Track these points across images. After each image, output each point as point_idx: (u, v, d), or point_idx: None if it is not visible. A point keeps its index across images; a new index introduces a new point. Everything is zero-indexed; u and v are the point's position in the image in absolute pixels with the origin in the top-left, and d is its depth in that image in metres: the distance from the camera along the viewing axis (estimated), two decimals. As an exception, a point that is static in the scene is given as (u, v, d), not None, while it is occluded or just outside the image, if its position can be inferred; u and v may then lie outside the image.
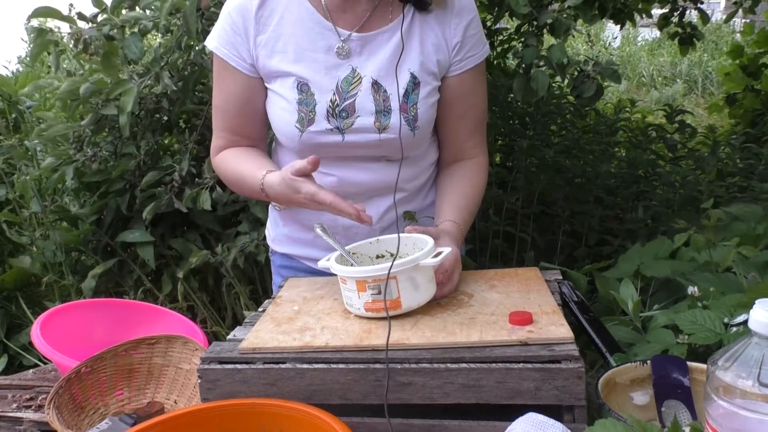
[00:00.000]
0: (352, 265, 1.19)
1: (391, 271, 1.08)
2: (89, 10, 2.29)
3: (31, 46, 2.28)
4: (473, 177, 1.46)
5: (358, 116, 1.33)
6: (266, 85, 1.38)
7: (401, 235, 1.24)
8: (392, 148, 1.35)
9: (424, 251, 1.11)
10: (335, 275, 1.38)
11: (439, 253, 1.12)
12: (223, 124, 1.43)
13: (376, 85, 1.33)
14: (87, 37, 2.18)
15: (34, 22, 2.37)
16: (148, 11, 2.34)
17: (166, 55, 2.41)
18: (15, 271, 2.88)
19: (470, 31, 1.39)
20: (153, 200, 2.48)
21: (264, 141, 1.47)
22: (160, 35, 2.59)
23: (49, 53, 2.35)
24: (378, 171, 1.39)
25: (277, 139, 1.45)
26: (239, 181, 1.40)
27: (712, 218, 1.46)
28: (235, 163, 1.40)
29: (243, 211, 2.58)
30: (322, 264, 1.20)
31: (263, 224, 2.51)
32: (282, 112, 1.36)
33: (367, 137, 1.34)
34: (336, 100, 1.33)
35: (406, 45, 1.33)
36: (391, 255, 1.24)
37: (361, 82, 1.33)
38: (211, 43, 1.39)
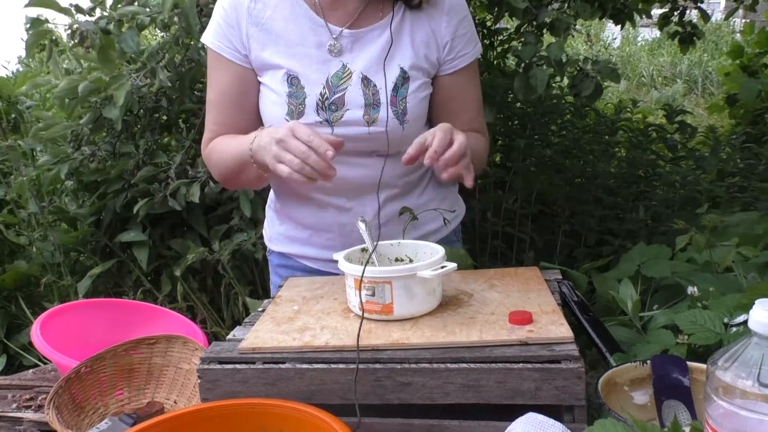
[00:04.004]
0: (369, 263, 1.19)
1: (387, 277, 1.08)
2: (87, 3, 2.29)
3: (28, 35, 2.27)
4: (475, 134, 1.47)
5: (348, 109, 1.34)
6: (258, 78, 1.39)
7: (419, 242, 1.25)
8: (381, 142, 1.36)
9: (424, 263, 1.09)
10: (334, 275, 1.39)
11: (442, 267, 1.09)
12: (216, 119, 1.43)
13: (365, 80, 1.35)
14: (84, 30, 2.18)
15: (32, 14, 2.36)
16: (146, 7, 2.34)
17: (162, 51, 2.41)
18: (14, 272, 2.88)
19: (461, 30, 1.40)
20: (147, 197, 2.48)
21: None
22: (159, 33, 2.59)
23: (45, 50, 2.35)
24: (369, 167, 1.39)
25: None
26: (227, 151, 1.38)
27: (709, 223, 1.46)
28: (232, 137, 1.39)
29: (235, 209, 2.58)
30: (335, 256, 1.20)
31: (256, 221, 2.52)
32: (272, 105, 1.37)
33: (356, 130, 1.35)
34: (326, 93, 1.34)
35: (396, 41, 1.35)
36: (411, 260, 1.23)
37: (351, 77, 1.35)
38: (206, 38, 1.41)
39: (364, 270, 1.08)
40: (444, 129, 1.22)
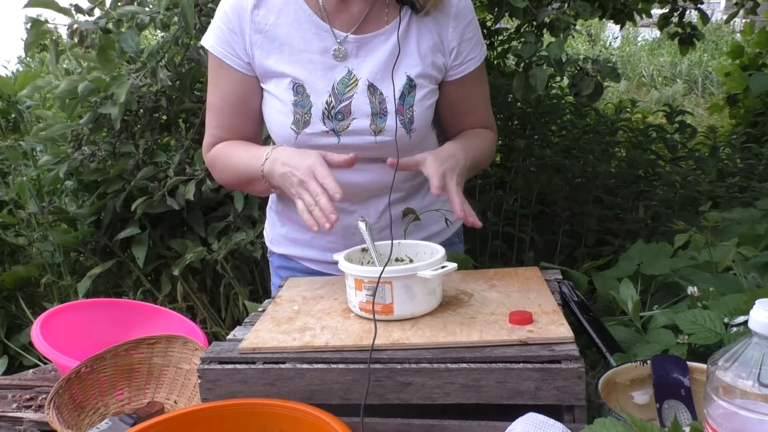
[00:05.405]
0: (369, 263, 1.20)
1: (387, 277, 1.08)
2: (86, 3, 2.30)
3: (28, 34, 2.27)
4: (479, 131, 1.47)
5: (354, 118, 1.33)
6: (262, 85, 1.38)
7: (419, 242, 1.25)
8: (388, 150, 1.34)
9: (424, 263, 1.09)
10: (334, 275, 1.39)
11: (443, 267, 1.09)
12: (218, 123, 1.42)
13: (371, 88, 1.33)
14: (84, 30, 2.18)
15: (32, 14, 2.36)
16: (146, 7, 2.34)
17: (162, 50, 2.41)
18: (14, 272, 2.88)
19: (467, 34, 1.39)
20: (146, 196, 2.49)
21: (259, 141, 1.47)
22: (159, 33, 2.59)
23: (47, 52, 2.35)
24: (374, 172, 1.38)
25: (272, 141, 1.45)
26: (234, 162, 1.38)
27: (711, 220, 1.46)
28: (240, 146, 1.39)
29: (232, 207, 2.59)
30: (335, 257, 1.21)
31: (253, 220, 2.52)
32: (277, 113, 1.36)
33: (362, 139, 1.34)
34: (332, 101, 1.33)
35: (402, 48, 1.34)
36: (411, 260, 1.23)
37: (356, 84, 1.33)
38: (207, 42, 1.38)
39: (383, 270, 1.07)
40: (439, 174, 1.23)
